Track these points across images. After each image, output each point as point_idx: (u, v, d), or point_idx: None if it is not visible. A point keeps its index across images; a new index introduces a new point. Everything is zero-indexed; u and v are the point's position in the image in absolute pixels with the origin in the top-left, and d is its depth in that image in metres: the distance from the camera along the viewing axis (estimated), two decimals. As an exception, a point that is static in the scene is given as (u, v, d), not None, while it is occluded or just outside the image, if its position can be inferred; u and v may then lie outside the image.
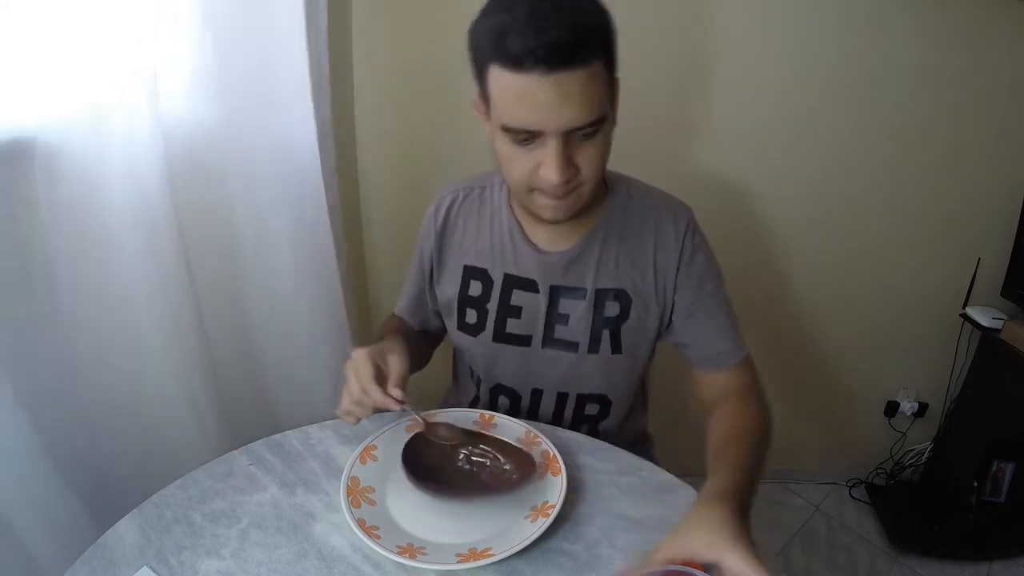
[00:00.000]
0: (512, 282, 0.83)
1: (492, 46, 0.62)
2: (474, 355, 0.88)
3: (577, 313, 0.82)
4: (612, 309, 0.82)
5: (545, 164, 0.65)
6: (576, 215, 0.74)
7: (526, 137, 0.65)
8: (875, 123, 1.39)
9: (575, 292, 0.82)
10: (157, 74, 0.85)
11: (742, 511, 0.56)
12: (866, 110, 1.37)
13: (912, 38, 1.31)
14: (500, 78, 0.62)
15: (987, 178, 1.43)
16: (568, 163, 0.66)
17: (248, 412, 1.14)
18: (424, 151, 1.44)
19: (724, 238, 1.49)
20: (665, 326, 0.85)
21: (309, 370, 1.21)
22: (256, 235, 1.07)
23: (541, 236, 0.82)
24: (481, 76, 0.65)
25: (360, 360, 0.70)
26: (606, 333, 0.83)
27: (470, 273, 0.85)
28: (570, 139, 0.65)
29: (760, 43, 1.33)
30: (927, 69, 1.33)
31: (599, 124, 0.65)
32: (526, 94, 0.61)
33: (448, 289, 0.87)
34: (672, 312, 0.83)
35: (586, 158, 0.67)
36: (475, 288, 0.85)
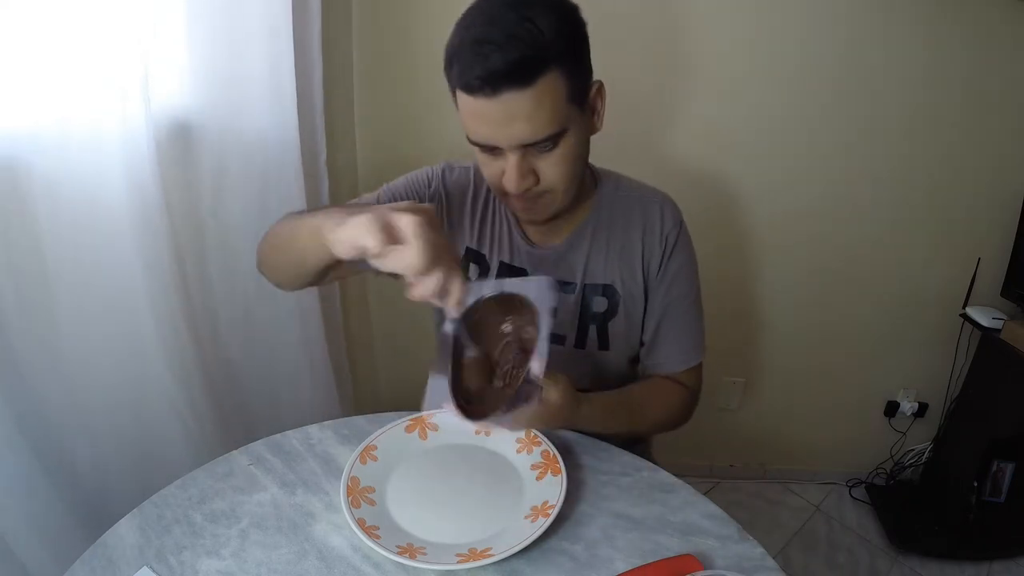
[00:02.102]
0: (505, 270, 0.84)
1: (447, 70, 0.65)
2: None
3: (565, 307, 0.83)
4: (600, 305, 0.83)
5: (506, 174, 0.68)
6: (558, 215, 0.76)
7: (489, 149, 0.68)
8: (876, 123, 1.39)
9: (564, 286, 0.83)
10: (149, 75, 0.85)
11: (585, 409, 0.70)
12: (867, 110, 1.37)
13: (915, 39, 1.31)
14: (459, 98, 0.66)
15: (987, 178, 1.44)
16: (527, 174, 0.68)
17: (234, 414, 1.14)
18: (424, 147, 1.44)
19: (725, 238, 1.51)
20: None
21: (277, 368, 1.22)
22: (226, 234, 1.07)
23: (534, 230, 0.84)
24: (452, 92, 0.68)
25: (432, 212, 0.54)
26: (593, 328, 0.84)
27: (471, 255, 0.86)
28: (529, 151, 0.66)
29: (764, 46, 1.33)
30: (928, 70, 1.33)
31: (557, 137, 0.66)
32: (478, 114, 0.64)
33: None
34: (645, 310, 0.85)
35: (547, 168, 0.68)
36: (473, 271, 0.86)
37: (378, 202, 0.81)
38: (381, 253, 0.50)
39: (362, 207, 0.54)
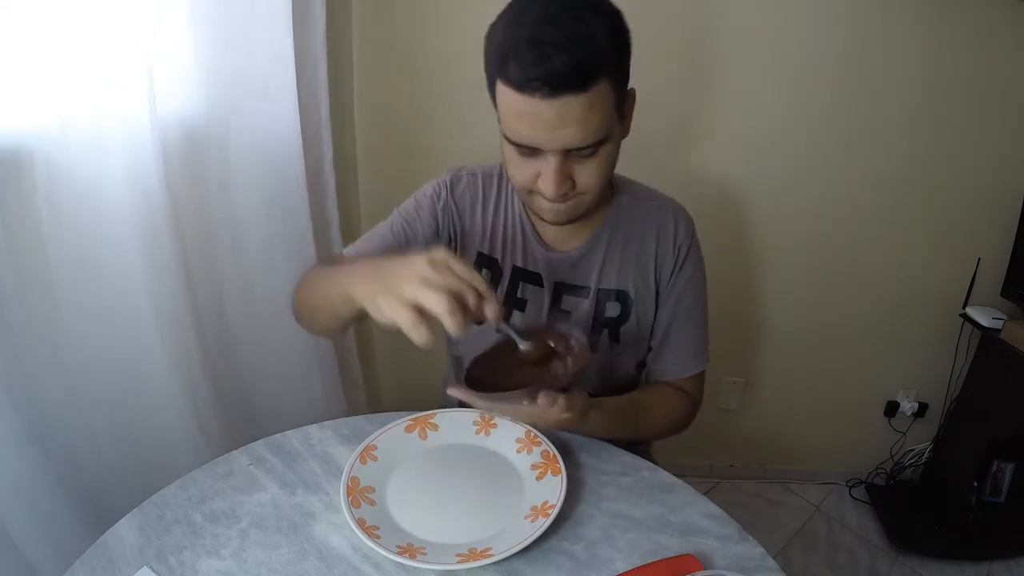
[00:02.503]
0: (520, 275, 0.84)
1: (498, 65, 0.63)
2: (475, 344, 0.88)
3: (579, 311, 0.83)
4: (613, 310, 0.83)
5: (543, 177, 0.67)
6: (579, 219, 0.75)
7: (528, 150, 0.66)
8: (876, 123, 1.39)
9: (578, 290, 0.83)
10: (153, 74, 0.85)
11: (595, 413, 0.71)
12: (867, 110, 1.37)
13: (915, 41, 1.31)
14: (505, 94, 0.63)
15: (987, 178, 1.44)
16: (565, 178, 0.67)
17: (237, 414, 1.14)
18: (425, 147, 1.44)
19: (726, 238, 1.51)
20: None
21: (283, 369, 1.22)
22: (232, 234, 1.07)
23: (550, 234, 0.83)
24: (491, 86, 0.66)
25: (448, 254, 0.57)
26: (605, 333, 0.84)
27: (482, 261, 0.85)
28: (570, 155, 0.66)
29: (764, 46, 1.33)
30: (928, 70, 1.34)
31: (600, 144, 0.65)
32: (528, 115, 0.62)
33: None
34: (654, 318, 0.85)
35: (585, 174, 0.68)
36: (485, 276, 0.85)
37: (392, 232, 0.82)
38: (416, 323, 0.52)
39: (382, 264, 0.59)
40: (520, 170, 0.69)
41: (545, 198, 0.70)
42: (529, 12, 0.61)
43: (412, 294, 0.53)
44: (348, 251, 0.85)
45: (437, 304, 0.52)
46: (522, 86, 0.60)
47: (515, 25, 0.61)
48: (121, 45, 0.80)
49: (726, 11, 1.30)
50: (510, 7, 0.63)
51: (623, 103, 0.68)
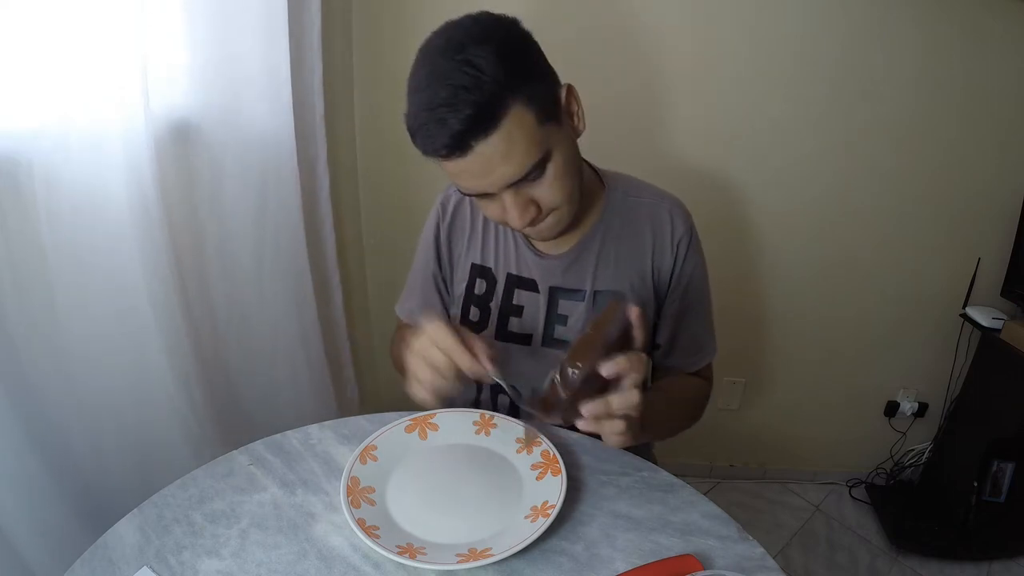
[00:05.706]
0: (514, 282, 0.84)
1: (413, 140, 0.63)
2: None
3: (576, 314, 0.83)
4: None
5: (507, 212, 0.67)
6: (568, 227, 0.76)
7: (483, 195, 0.67)
8: (876, 124, 1.39)
9: (574, 294, 0.83)
10: (148, 75, 0.85)
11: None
12: (867, 111, 1.38)
13: (914, 40, 1.31)
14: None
15: (987, 178, 1.44)
16: (527, 205, 0.67)
17: (233, 414, 1.14)
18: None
19: (725, 239, 1.51)
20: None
21: (274, 370, 1.22)
22: (223, 232, 1.07)
23: (540, 240, 0.83)
24: None
25: (437, 327, 0.62)
26: None
27: (477, 271, 0.86)
28: (521, 184, 0.65)
29: (764, 47, 1.33)
30: (928, 71, 1.34)
31: (542, 164, 0.65)
32: (457, 173, 0.64)
33: (457, 286, 0.88)
34: (658, 314, 0.85)
35: (544, 192, 0.68)
36: (480, 286, 0.86)
37: (422, 277, 0.91)
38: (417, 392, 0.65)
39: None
40: (488, 211, 0.71)
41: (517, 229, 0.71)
42: (419, 74, 0.61)
43: (412, 369, 0.64)
44: (398, 309, 0.94)
45: (423, 377, 0.63)
46: (435, 155, 0.62)
47: (414, 92, 0.62)
48: (118, 45, 0.80)
49: (726, 9, 1.30)
50: (412, 70, 0.63)
51: (553, 111, 0.66)
